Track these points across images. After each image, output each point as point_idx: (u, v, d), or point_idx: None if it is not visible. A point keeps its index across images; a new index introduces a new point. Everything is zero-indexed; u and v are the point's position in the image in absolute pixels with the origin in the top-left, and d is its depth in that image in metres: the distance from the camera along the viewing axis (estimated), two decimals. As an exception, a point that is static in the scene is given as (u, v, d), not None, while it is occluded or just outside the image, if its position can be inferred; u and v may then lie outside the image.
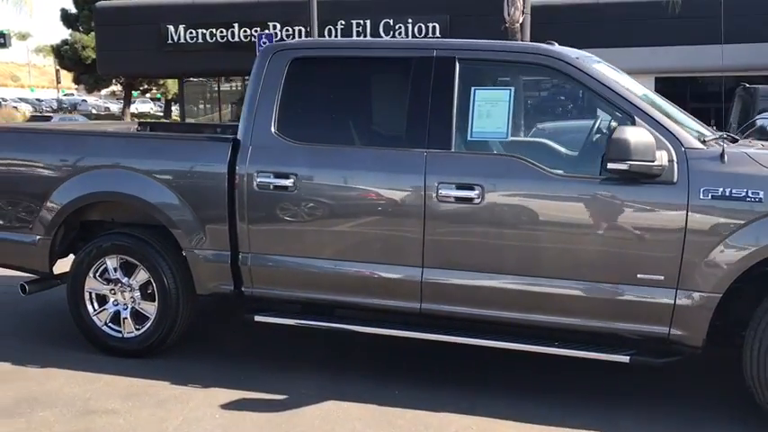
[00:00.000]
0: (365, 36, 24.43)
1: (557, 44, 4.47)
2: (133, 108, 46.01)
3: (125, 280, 4.90)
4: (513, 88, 4.24)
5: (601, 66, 4.33)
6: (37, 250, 5.01)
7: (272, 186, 4.48)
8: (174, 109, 50.92)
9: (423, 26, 25.17)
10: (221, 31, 26.07)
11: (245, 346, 5.23)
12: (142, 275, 4.85)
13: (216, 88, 31.43)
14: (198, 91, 31.89)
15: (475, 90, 4.25)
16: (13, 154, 5.04)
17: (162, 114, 49.09)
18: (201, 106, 31.69)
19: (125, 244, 4.84)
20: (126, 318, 4.92)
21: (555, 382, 4.58)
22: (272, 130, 4.53)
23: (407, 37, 25.36)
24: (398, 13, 25.20)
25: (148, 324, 4.87)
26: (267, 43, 15.78)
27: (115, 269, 4.89)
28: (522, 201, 4.11)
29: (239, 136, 4.63)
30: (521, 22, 12.05)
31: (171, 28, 26.35)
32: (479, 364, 4.81)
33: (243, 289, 4.68)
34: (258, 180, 4.48)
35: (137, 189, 4.74)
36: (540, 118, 5.19)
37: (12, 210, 5.06)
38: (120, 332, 4.94)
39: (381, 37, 25.33)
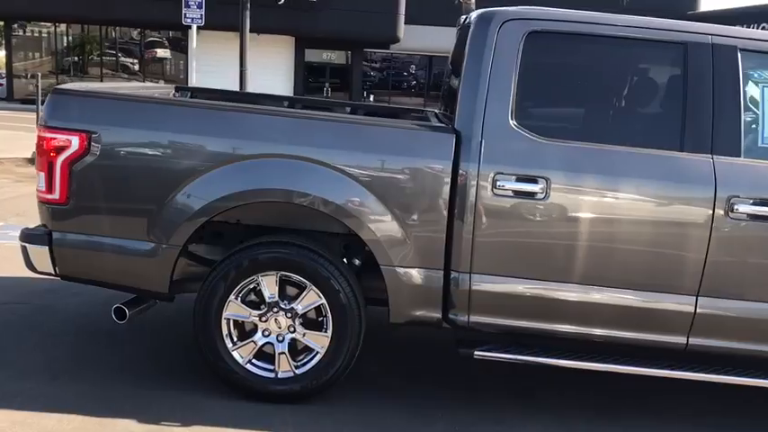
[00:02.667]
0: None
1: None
2: None
3: (284, 304, 3.75)
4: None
5: None
6: (156, 263, 3.70)
7: (512, 192, 3.57)
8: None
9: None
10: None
11: (427, 383, 4.25)
12: (311, 298, 3.73)
13: (49, 35, 27.89)
14: (24, 38, 28.08)
15: (765, 88, 3.62)
16: (130, 131, 3.66)
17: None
18: (32, 55, 27.95)
19: (292, 257, 3.69)
20: (283, 353, 3.77)
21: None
22: (511, 121, 3.60)
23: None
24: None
25: (315, 360, 3.78)
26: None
27: (273, 290, 3.73)
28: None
29: (458, 126, 3.65)
30: (475, -3, 11.42)
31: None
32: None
33: (453, 317, 3.73)
34: (497, 183, 3.55)
35: (320, 187, 3.61)
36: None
37: (119, 207, 3.70)
38: (272, 371, 3.79)
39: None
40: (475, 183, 3.55)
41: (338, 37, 24.54)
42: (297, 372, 3.78)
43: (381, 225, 3.61)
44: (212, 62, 26.03)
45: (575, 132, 3.67)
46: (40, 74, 12.63)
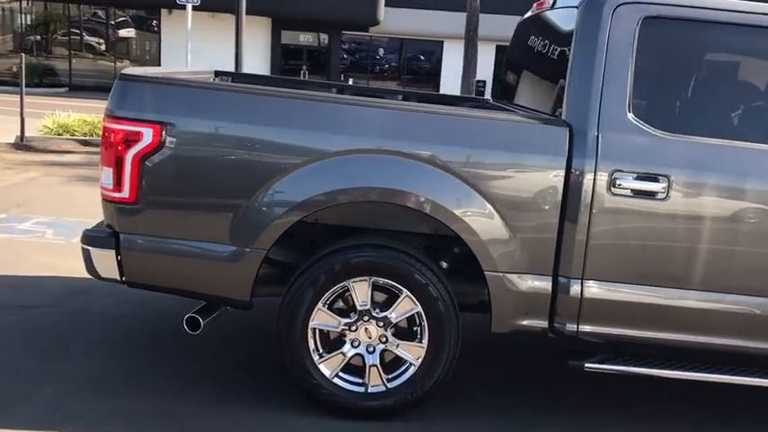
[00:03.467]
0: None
1: None
2: None
3: (376, 312, 3.44)
4: None
5: None
6: (238, 268, 3.36)
7: (631, 191, 3.30)
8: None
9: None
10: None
11: (521, 393, 3.98)
12: (406, 306, 3.42)
13: (12, 12, 26.76)
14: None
15: None
16: (210, 123, 3.28)
17: None
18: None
19: (387, 261, 3.37)
20: (374, 365, 3.47)
21: None
22: (628, 114, 3.32)
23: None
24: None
25: (409, 372, 3.48)
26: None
27: (364, 297, 3.42)
28: None
29: (567, 118, 3.36)
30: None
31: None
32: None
33: (559, 326, 3.45)
34: (616, 181, 3.27)
35: (422, 185, 3.29)
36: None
37: (197, 208, 3.34)
38: (361, 384, 3.49)
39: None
40: (591, 181, 3.28)
41: (317, 19, 24.01)
42: (389, 386, 3.47)
43: (487, 227, 3.31)
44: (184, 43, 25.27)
45: (696, 127, 3.38)
46: (23, 54, 11.96)
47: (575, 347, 3.55)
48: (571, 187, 3.30)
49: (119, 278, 3.43)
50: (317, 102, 3.35)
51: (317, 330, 3.44)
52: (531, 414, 3.72)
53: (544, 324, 3.45)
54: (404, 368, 3.49)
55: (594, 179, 3.28)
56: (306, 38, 26.63)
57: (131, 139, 3.24)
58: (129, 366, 3.89)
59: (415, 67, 29.70)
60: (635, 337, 3.46)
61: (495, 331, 3.47)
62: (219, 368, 3.96)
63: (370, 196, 3.29)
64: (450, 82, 26.24)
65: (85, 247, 3.43)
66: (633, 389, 4.04)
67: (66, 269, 5.45)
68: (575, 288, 3.37)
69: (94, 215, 7.08)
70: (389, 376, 3.48)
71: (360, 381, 3.48)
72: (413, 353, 3.46)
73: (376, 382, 3.47)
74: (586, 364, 3.45)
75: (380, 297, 3.46)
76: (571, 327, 3.44)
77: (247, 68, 23.19)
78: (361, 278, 3.39)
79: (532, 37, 4.34)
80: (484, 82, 24.05)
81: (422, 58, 29.48)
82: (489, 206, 3.30)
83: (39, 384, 3.60)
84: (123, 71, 3.39)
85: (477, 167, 3.30)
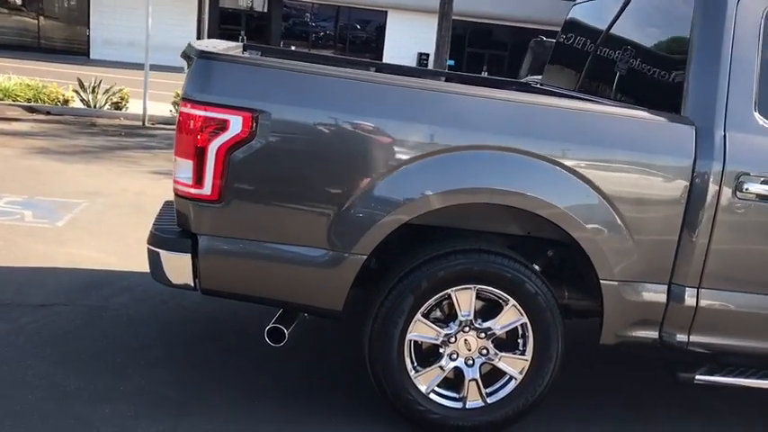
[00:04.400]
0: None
1: None
2: None
3: (479, 323, 3.15)
4: None
5: None
6: (333, 275, 2.99)
7: (756, 196, 3.10)
8: None
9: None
10: None
11: (612, 405, 3.75)
12: (512, 316, 3.15)
13: None
14: None
15: None
16: (308, 112, 2.87)
17: None
18: None
19: (496, 269, 3.07)
20: (474, 379, 3.18)
21: None
22: (755, 114, 3.11)
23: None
24: None
25: (510, 387, 3.22)
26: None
27: (467, 307, 3.12)
28: None
29: (688, 113, 3.13)
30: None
31: None
32: None
33: (667, 336, 3.25)
34: (742, 185, 3.06)
35: (540, 186, 2.99)
36: None
37: (289, 207, 2.93)
38: (458, 400, 3.20)
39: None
40: (717, 184, 3.05)
41: (258, -18, 23.12)
42: (488, 401, 3.20)
43: (607, 231, 3.05)
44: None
45: (822, 129, 3.21)
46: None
47: (677, 358, 3.36)
48: (695, 190, 3.07)
49: (192, 285, 3.01)
50: (432, 92, 2.98)
51: (411, 342, 3.13)
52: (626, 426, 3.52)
53: (655, 335, 3.24)
54: (504, 381, 3.22)
55: (721, 182, 3.06)
56: (245, 2, 25.68)
57: (216, 128, 2.82)
58: (182, 378, 3.48)
59: (356, 37, 29.15)
60: (746, 347, 3.29)
61: (603, 343, 3.23)
62: (273, 375, 3.59)
63: (485, 197, 2.97)
64: (394, 52, 25.88)
65: (155, 249, 2.99)
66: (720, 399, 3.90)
67: (63, 259, 4.93)
68: (690, 297, 3.16)
69: (67, 193, 6.56)
70: (488, 391, 3.21)
71: (456, 396, 3.20)
72: (516, 366, 3.19)
73: (474, 397, 3.19)
74: (697, 376, 3.27)
75: (478, 305, 3.18)
76: (681, 337, 3.23)
77: (182, 32, 22.22)
78: (466, 286, 3.08)
79: (613, 22, 4.07)
80: (428, 55, 23.78)
81: (363, 27, 28.93)
82: (610, 209, 3.04)
83: (91, 403, 3.16)
84: (202, 48, 2.93)
85: (599, 167, 3.02)
